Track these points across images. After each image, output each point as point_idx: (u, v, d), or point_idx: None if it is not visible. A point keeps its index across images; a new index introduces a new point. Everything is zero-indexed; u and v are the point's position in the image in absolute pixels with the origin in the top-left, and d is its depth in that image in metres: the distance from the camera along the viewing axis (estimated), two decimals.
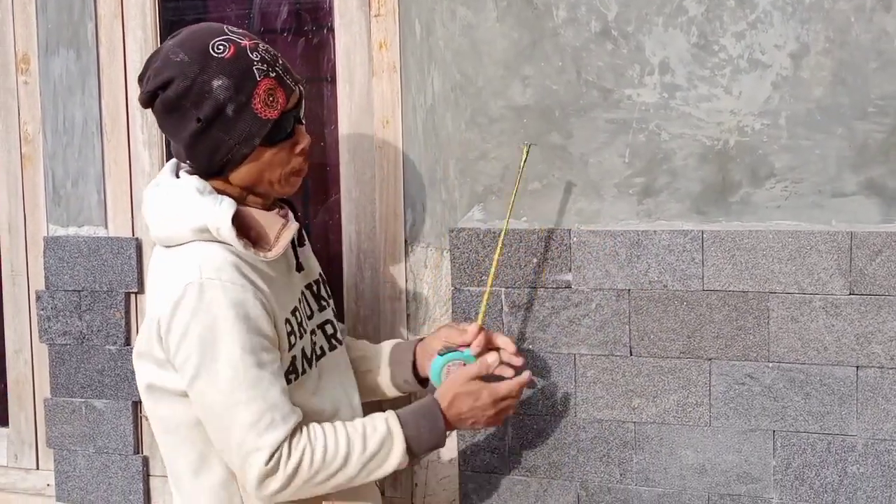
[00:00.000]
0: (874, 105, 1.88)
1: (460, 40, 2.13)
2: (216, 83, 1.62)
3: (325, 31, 2.32)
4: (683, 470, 2.04)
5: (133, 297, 2.46)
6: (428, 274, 2.22)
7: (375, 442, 1.70)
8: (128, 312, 2.46)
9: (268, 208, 1.76)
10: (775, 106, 1.94)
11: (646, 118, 2.02)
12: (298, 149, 1.70)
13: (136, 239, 2.44)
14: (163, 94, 1.65)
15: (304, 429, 1.67)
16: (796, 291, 1.94)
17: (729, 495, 2.02)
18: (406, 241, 2.22)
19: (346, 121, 2.25)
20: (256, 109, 1.64)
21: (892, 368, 1.90)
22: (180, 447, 1.73)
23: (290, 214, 1.79)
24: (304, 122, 1.75)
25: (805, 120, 1.92)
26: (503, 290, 2.15)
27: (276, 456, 1.62)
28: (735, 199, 1.99)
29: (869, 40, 1.86)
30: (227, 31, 1.68)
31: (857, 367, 1.92)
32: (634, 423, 2.07)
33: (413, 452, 1.74)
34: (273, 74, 1.66)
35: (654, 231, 2.03)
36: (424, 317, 2.22)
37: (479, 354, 1.87)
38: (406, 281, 2.22)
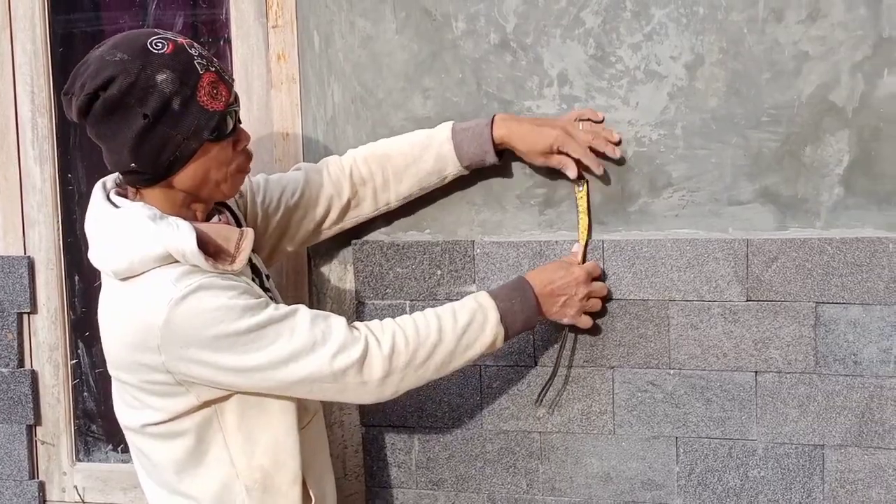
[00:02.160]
0: (767, 114, 1.90)
1: (360, 52, 2.11)
2: (160, 77, 1.56)
3: (221, 42, 2.28)
4: (589, 479, 2.04)
5: (26, 317, 2.38)
6: (332, 288, 2.19)
7: (466, 314, 1.72)
8: (20, 333, 2.37)
9: (207, 218, 1.72)
10: (672, 116, 1.95)
11: None
12: (241, 145, 1.66)
13: (29, 257, 2.36)
14: (104, 94, 1.56)
15: (384, 321, 1.69)
16: (695, 299, 1.96)
17: (634, 502, 2.02)
18: (309, 255, 2.18)
19: None
20: (202, 102, 1.59)
21: (789, 373, 1.92)
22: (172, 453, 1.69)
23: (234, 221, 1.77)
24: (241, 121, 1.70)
25: (701, 130, 1.94)
26: (407, 302, 2.12)
27: (364, 345, 1.63)
28: (634, 209, 2.00)
29: (762, 51, 1.88)
30: (158, 31, 1.63)
31: (756, 372, 1.94)
32: (540, 433, 2.06)
33: (507, 326, 1.75)
34: (213, 69, 1.62)
35: (556, 241, 2.03)
36: None
37: None
38: (310, 295, 2.18)
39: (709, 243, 1.94)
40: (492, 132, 1.90)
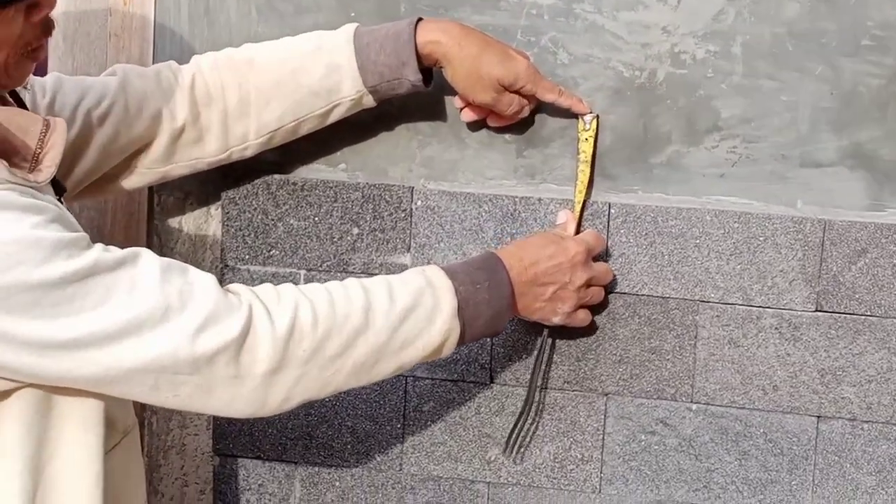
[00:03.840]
0: (871, 36, 1.32)
1: None
2: None
3: None
4: None
5: None
6: (183, 241, 1.50)
7: (408, 294, 1.20)
8: None
9: None
10: (729, 25, 1.34)
11: (536, 27, 1.38)
12: (40, 13, 1.14)
13: None
14: None
15: (281, 287, 1.18)
16: (739, 302, 1.35)
17: None
18: (152, 189, 1.46)
19: None
20: None
21: (868, 422, 1.34)
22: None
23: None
24: None
25: (770, 50, 1.34)
26: (302, 272, 1.44)
27: (247, 317, 1.11)
28: (659, 161, 1.38)
29: None
30: None
31: (819, 417, 1.35)
32: (489, 483, 1.41)
33: (464, 322, 1.21)
34: None
35: (539, 199, 1.39)
36: None
37: None
38: (149, 248, 1.45)
39: (767, 221, 1.35)
40: (415, 35, 1.31)
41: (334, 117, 1.35)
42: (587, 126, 1.35)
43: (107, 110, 1.32)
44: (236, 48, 1.38)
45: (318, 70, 1.32)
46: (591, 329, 1.37)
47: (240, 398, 1.14)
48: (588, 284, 1.30)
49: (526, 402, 1.36)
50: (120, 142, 1.32)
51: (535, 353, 1.36)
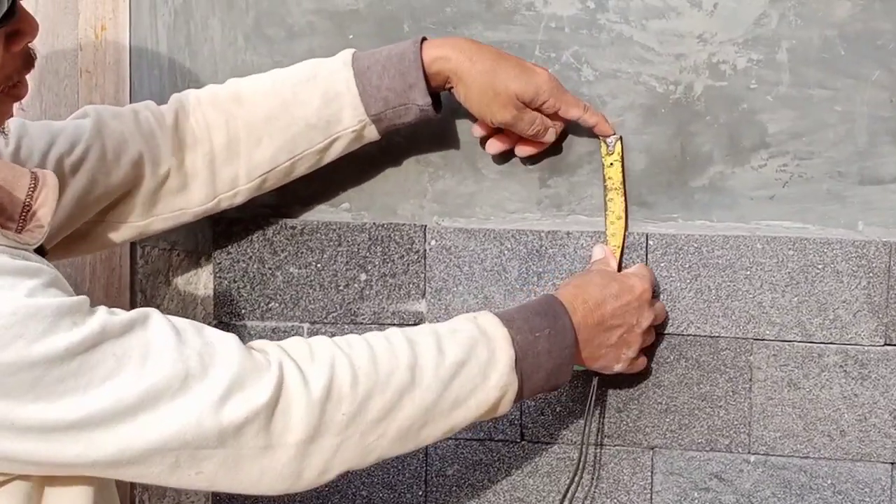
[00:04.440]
0: None
1: None
2: None
3: None
4: None
5: None
6: (172, 296, 1.36)
7: (459, 345, 1.06)
8: None
9: None
10: (773, 30, 1.22)
11: (556, 42, 1.25)
12: (20, 42, 1.02)
13: None
14: None
15: (314, 340, 1.05)
16: (798, 339, 1.22)
17: None
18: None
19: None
20: None
21: None
22: None
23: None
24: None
25: (820, 56, 1.21)
26: (305, 326, 1.30)
27: (277, 379, 0.99)
28: (701, 184, 1.24)
29: None
30: None
31: (893, 464, 1.22)
32: None
33: (523, 376, 1.07)
34: None
35: (567, 233, 1.25)
36: None
37: None
38: (133, 307, 1.31)
39: (825, 247, 1.22)
40: (421, 54, 1.18)
41: (333, 154, 1.21)
42: (611, 149, 1.22)
43: (81, 157, 1.18)
44: (220, 84, 1.24)
45: (313, 100, 1.19)
46: (632, 375, 1.23)
47: (271, 472, 1.01)
48: (654, 318, 1.18)
49: (578, 462, 1.21)
50: (96, 192, 1.18)
51: (587, 405, 1.21)
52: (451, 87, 1.19)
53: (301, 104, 1.19)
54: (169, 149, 1.20)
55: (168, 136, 1.20)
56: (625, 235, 1.23)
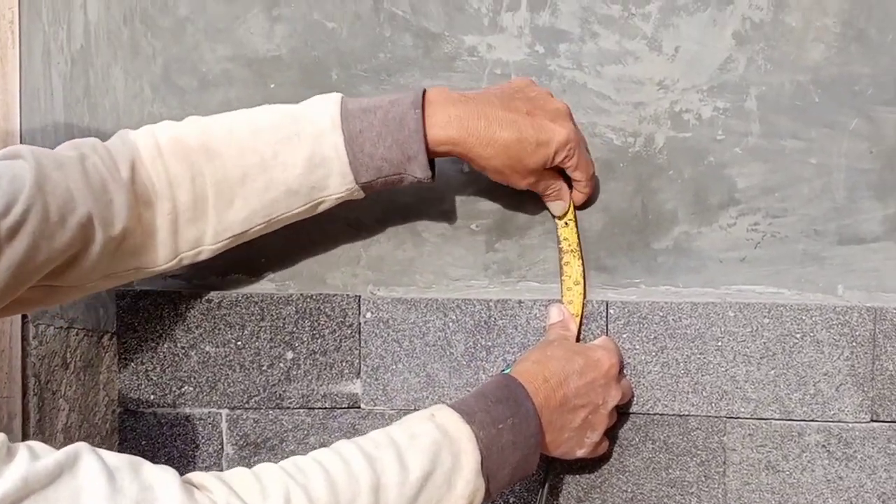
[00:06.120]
0: None
1: None
2: None
3: None
4: None
5: None
6: (69, 383, 1.17)
7: (422, 453, 0.93)
8: None
9: None
10: (740, 75, 1.09)
11: None
12: None
13: None
14: None
15: (260, 469, 0.89)
16: (776, 416, 1.09)
17: None
18: (25, 318, 1.15)
19: None
20: None
21: None
22: None
23: None
24: None
25: (792, 103, 1.09)
26: (224, 412, 1.13)
27: None
28: (664, 246, 1.11)
29: None
30: None
31: None
32: None
33: (489, 474, 0.95)
34: None
35: (519, 301, 1.11)
36: None
37: None
38: (23, 394, 1.14)
39: (803, 313, 1.09)
40: (424, 118, 1.01)
41: (313, 214, 1.06)
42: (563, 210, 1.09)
43: (19, 220, 0.94)
44: (179, 122, 1.05)
45: (297, 163, 1.02)
46: (593, 460, 1.09)
47: None
48: (619, 396, 1.05)
49: None
50: (38, 259, 0.95)
51: (540, 496, 1.08)
52: (463, 155, 1.04)
53: (282, 166, 1.02)
54: (124, 206, 1.00)
55: (122, 191, 1.00)
56: (584, 303, 1.10)
